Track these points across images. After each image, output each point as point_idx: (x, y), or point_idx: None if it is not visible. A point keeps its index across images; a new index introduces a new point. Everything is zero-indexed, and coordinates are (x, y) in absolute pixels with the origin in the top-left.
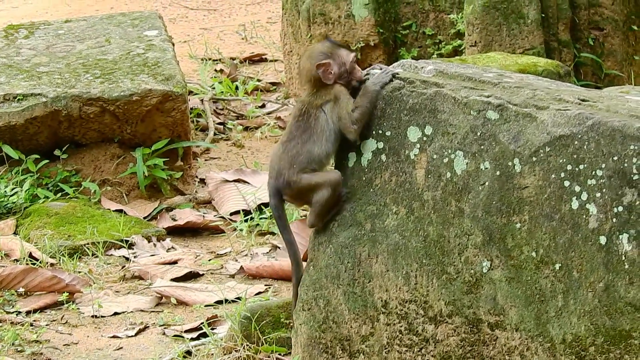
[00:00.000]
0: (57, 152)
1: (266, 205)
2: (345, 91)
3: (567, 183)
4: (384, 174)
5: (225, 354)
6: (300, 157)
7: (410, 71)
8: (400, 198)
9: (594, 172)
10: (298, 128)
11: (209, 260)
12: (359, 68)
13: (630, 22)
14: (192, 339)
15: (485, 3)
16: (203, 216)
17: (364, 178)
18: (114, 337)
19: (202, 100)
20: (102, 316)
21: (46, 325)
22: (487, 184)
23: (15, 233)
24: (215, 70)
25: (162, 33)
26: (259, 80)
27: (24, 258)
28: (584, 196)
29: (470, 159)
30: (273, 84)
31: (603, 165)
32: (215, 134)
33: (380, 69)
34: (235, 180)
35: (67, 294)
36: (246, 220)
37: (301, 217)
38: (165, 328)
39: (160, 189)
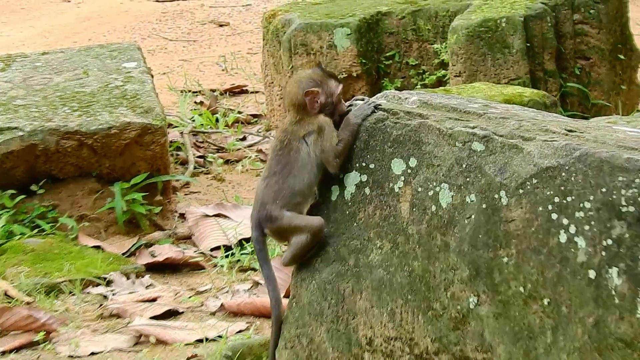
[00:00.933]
0: (33, 187)
1: (247, 240)
2: (330, 122)
3: (554, 216)
4: (367, 208)
5: None
6: (283, 192)
7: (393, 102)
8: (384, 232)
9: (582, 205)
10: (278, 162)
11: (189, 297)
12: (343, 101)
13: (616, 51)
14: None
15: (469, 32)
16: (183, 252)
17: (347, 212)
18: None
19: (181, 133)
20: (78, 356)
21: None
22: (473, 217)
23: None
24: (195, 102)
25: (140, 65)
26: (239, 113)
27: None
28: (572, 229)
29: (456, 192)
30: (254, 116)
31: (591, 198)
32: (195, 168)
33: (363, 100)
34: (215, 215)
35: (44, 333)
36: (227, 256)
37: (284, 252)
38: None
39: (139, 225)
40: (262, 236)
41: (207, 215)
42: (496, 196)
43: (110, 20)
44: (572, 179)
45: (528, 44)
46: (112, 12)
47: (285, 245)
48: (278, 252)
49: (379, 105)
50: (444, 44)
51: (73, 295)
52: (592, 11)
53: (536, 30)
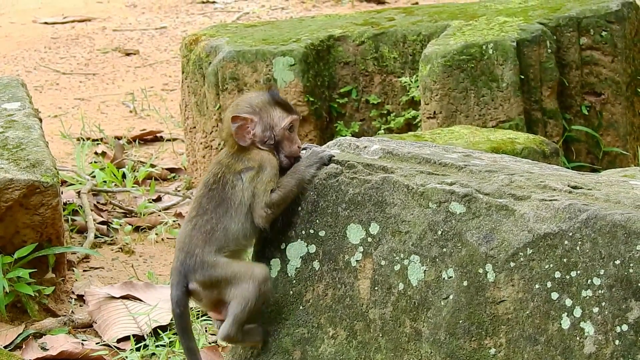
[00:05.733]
0: None
1: (164, 329)
2: (275, 163)
3: (555, 295)
4: (317, 287)
5: None
6: (217, 234)
7: (349, 152)
8: (338, 317)
9: (589, 281)
10: (211, 199)
11: None
12: (297, 140)
13: (635, 84)
14: None
15: (446, 62)
16: (82, 344)
17: (290, 292)
18: None
19: (79, 193)
20: None
21: None
22: (451, 297)
23: None
24: (96, 153)
25: (25, 105)
26: (152, 166)
27: None
28: (577, 312)
29: (430, 266)
30: (171, 170)
31: (602, 272)
32: (96, 237)
33: (314, 147)
34: (123, 297)
35: None
36: (138, 349)
37: (210, 343)
38: None
39: (25, 309)
40: (185, 296)
41: (113, 298)
42: (480, 271)
43: None
44: (578, 248)
45: (522, 77)
46: None
47: (215, 313)
48: (203, 343)
49: (332, 156)
50: (415, 76)
51: None
52: (604, 34)
53: (532, 59)
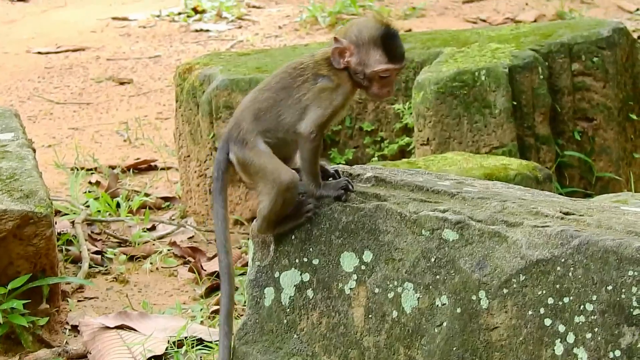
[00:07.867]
0: None
1: (158, 358)
2: (349, 99)
3: (548, 321)
4: (311, 315)
5: None
6: (268, 115)
7: None
8: (333, 345)
9: (582, 307)
10: (281, 80)
11: None
12: (391, 86)
13: (627, 109)
14: None
15: (439, 89)
16: None
17: (285, 320)
18: None
19: (73, 223)
20: None
21: None
22: (445, 324)
23: None
24: (90, 182)
25: (19, 136)
26: (147, 195)
27: None
28: (571, 338)
29: (423, 293)
30: (165, 199)
31: (594, 298)
32: (90, 267)
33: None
34: (118, 327)
35: None
36: None
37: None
38: None
39: (19, 341)
40: (225, 162)
41: (107, 328)
42: (474, 298)
43: None
44: (570, 274)
45: (514, 103)
46: None
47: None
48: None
49: (339, 197)
50: (408, 103)
51: None
52: (595, 59)
53: (525, 85)
